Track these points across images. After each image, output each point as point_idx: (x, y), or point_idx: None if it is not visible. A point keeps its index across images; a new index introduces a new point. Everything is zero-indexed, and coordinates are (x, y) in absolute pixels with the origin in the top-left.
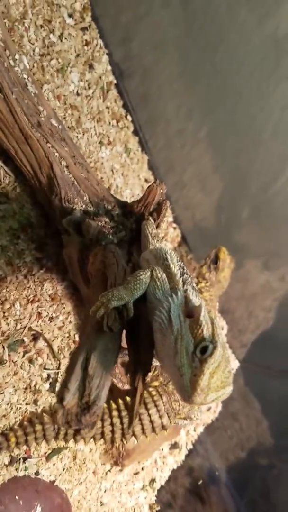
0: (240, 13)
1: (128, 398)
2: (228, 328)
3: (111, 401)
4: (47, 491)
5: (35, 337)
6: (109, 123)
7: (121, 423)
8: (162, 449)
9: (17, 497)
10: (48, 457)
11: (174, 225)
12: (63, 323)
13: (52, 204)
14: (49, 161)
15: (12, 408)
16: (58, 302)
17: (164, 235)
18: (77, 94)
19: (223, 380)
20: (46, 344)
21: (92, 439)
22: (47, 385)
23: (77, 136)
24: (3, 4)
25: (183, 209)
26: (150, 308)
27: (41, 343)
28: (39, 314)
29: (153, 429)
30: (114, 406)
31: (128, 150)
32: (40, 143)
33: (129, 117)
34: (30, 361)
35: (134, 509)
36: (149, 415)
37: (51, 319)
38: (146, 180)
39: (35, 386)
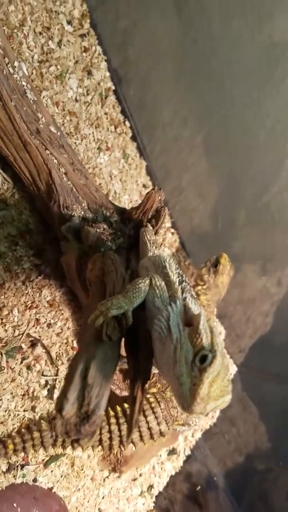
0: (234, 21)
1: (126, 405)
2: (226, 333)
3: (109, 408)
4: (45, 498)
5: (33, 344)
6: (108, 129)
7: (119, 430)
8: (160, 455)
9: (15, 504)
10: (46, 464)
11: (172, 230)
12: (61, 329)
13: (50, 211)
14: (47, 168)
15: (10, 415)
16: (56, 308)
17: (162, 241)
18: (76, 100)
19: (223, 389)
20: (44, 350)
21: (90, 446)
22: (45, 392)
23: (75, 142)
24: (2, 11)
25: (180, 215)
26: (149, 316)
27: (39, 350)
28: (37, 320)
29: (151, 436)
30: (112, 413)
31: (127, 156)
32: (39, 150)
33: (127, 123)
34: (28, 367)
35: None
36: (147, 422)
37: (49, 325)
38: (144, 186)
39: (33, 392)
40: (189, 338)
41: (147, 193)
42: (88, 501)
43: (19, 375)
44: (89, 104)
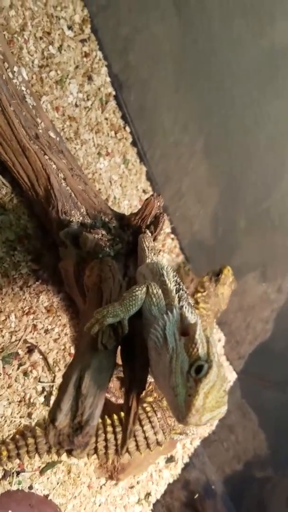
0: (235, 26)
1: (122, 414)
2: (226, 340)
3: (105, 416)
4: (40, 505)
5: (30, 350)
6: (108, 134)
7: (115, 439)
8: (158, 463)
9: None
10: (42, 471)
11: (172, 236)
12: (59, 335)
13: (49, 216)
14: (46, 173)
15: (5, 421)
16: (54, 314)
17: (162, 246)
18: (76, 105)
19: (218, 400)
20: (41, 356)
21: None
22: (41, 398)
23: (75, 148)
24: (2, 16)
25: (180, 220)
26: (146, 324)
27: (36, 356)
28: (35, 326)
29: (148, 446)
30: (108, 421)
31: (127, 161)
32: (38, 155)
33: (127, 128)
34: (25, 373)
35: None
36: (144, 432)
37: (46, 331)
38: (144, 191)
39: (29, 399)
40: (185, 348)
41: (146, 199)
42: (84, 509)
43: (15, 381)
44: (89, 109)
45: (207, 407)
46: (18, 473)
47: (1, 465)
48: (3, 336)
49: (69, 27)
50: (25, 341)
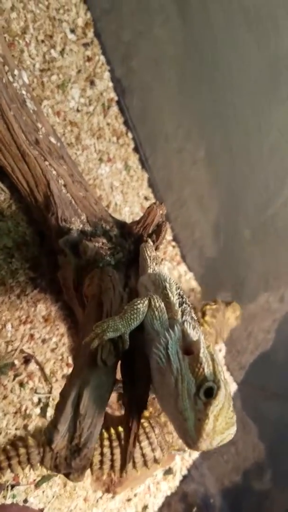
0: (239, 33)
1: (120, 428)
2: (227, 349)
3: (102, 430)
4: None
5: (27, 360)
6: (109, 140)
7: (111, 453)
8: (156, 475)
9: None
10: (37, 484)
11: (173, 243)
12: (56, 345)
13: (48, 223)
14: (46, 179)
15: (0, 433)
16: (51, 323)
17: (163, 254)
18: (78, 110)
19: (228, 421)
20: (37, 367)
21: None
22: (38, 410)
23: (76, 153)
24: (3, 18)
25: (182, 228)
26: (148, 339)
27: (32, 366)
28: (32, 335)
29: (145, 463)
30: (105, 435)
31: (128, 168)
32: (38, 161)
33: (129, 134)
34: (21, 384)
35: None
36: (141, 448)
37: (43, 341)
38: (145, 198)
39: (25, 410)
40: (189, 368)
41: (148, 207)
42: None
43: (11, 392)
44: (91, 114)
45: (217, 430)
46: (13, 486)
47: None
48: None
49: (72, 31)
50: (22, 351)
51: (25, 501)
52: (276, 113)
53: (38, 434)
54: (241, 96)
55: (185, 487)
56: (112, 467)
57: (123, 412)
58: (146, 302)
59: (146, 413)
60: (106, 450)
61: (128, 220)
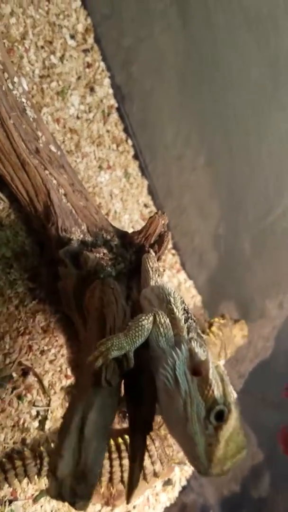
0: (240, 41)
1: (120, 440)
2: (226, 358)
3: None
4: None
5: (25, 372)
6: (109, 147)
7: (110, 465)
8: (155, 486)
9: None
10: (35, 499)
11: (173, 251)
12: (55, 356)
13: (48, 233)
14: (46, 189)
15: None
16: (50, 334)
17: (163, 262)
18: (77, 117)
19: (239, 444)
20: (36, 379)
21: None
22: (36, 423)
23: (76, 161)
24: (2, 23)
25: (181, 235)
26: (153, 357)
27: (31, 378)
28: (30, 347)
29: (144, 477)
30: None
31: (128, 175)
32: (38, 170)
33: (129, 141)
34: (19, 397)
35: None
36: None
37: (42, 352)
38: (145, 205)
39: (23, 424)
40: (198, 389)
41: (150, 217)
42: None
43: (9, 405)
44: (91, 121)
45: (228, 455)
46: (10, 501)
47: None
48: None
49: (72, 36)
50: (20, 363)
51: None
52: (276, 119)
53: (36, 446)
54: (242, 102)
55: (184, 498)
56: (111, 479)
57: (123, 425)
58: (151, 318)
59: None
60: (105, 462)
61: (128, 228)
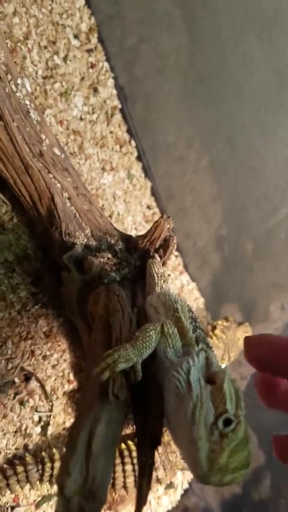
0: (246, 45)
1: (123, 445)
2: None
3: None
4: None
5: (27, 377)
6: (113, 148)
7: (113, 471)
8: (157, 490)
9: None
10: (37, 505)
11: (176, 253)
12: (58, 361)
13: (51, 237)
14: (50, 193)
15: (0, 453)
16: (53, 339)
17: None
18: (81, 119)
19: (242, 461)
20: (38, 384)
21: None
22: (38, 429)
23: (79, 163)
24: (5, 23)
25: (184, 237)
26: (161, 369)
27: (33, 384)
28: (32, 352)
29: None
30: None
31: (131, 176)
32: (41, 173)
33: (133, 143)
34: (21, 403)
35: None
36: None
37: (44, 357)
38: (148, 207)
39: (25, 429)
40: (211, 396)
41: (155, 221)
42: None
43: (11, 411)
44: (94, 123)
45: (230, 467)
46: (13, 508)
47: None
48: None
49: (75, 36)
50: (22, 369)
51: None
52: (279, 121)
53: (38, 451)
54: (246, 106)
55: (186, 501)
56: (113, 485)
57: (126, 431)
58: (159, 328)
59: None
60: None
61: (131, 230)
